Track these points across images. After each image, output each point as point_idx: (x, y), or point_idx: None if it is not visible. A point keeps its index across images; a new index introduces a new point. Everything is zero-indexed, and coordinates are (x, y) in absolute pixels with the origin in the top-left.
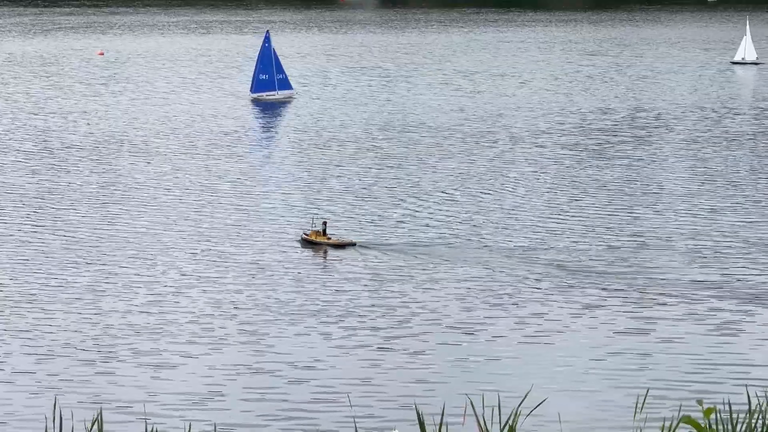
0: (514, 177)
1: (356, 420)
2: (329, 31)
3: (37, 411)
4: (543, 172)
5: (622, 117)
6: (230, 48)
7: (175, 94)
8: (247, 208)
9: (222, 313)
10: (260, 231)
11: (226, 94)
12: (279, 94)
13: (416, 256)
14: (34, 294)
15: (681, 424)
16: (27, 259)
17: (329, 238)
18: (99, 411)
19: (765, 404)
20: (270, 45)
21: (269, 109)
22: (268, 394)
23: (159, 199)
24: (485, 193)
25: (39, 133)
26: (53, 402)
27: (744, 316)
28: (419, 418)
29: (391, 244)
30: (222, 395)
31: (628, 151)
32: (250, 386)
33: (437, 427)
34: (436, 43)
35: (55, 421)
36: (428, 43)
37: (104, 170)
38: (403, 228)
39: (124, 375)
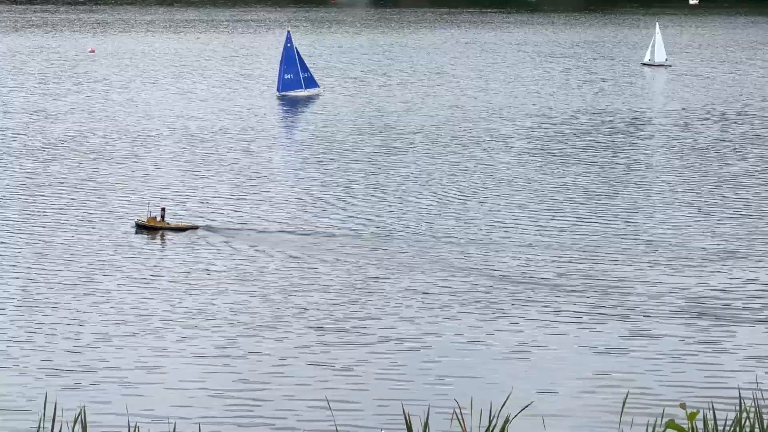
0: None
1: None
2: (336, 31)
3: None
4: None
5: (586, 120)
6: (246, 47)
7: (198, 93)
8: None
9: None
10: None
11: (253, 92)
12: (305, 92)
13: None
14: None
15: (667, 429)
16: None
17: (168, 224)
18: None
19: (748, 408)
20: (292, 45)
21: (297, 106)
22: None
23: (184, 192)
24: (460, 192)
25: (57, 130)
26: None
27: (728, 322)
28: (406, 421)
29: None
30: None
31: (591, 156)
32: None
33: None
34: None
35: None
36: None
37: (119, 168)
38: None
39: None
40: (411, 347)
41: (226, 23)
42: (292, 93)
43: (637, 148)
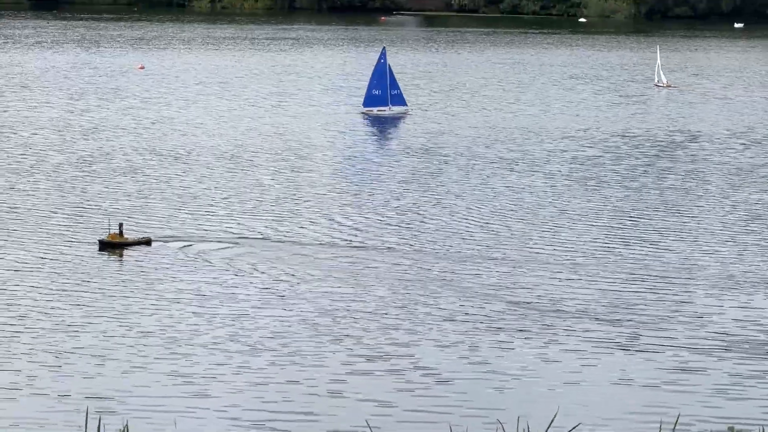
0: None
1: None
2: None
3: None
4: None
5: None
6: (335, 63)
7: (277, 107)
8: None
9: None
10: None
11: (334, 108)
12: (392, 110)
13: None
14: None
15: None
16: None
17: (127, 239)
18: None
19: None
20: (385, 61)
21: (376, 124)
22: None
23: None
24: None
25: (142, 143)
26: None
27: None
28: None
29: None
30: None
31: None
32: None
33: None
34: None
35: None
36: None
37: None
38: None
39: None
40: (439, 374)
41: (277, 40)
42: (376, 110)
43: (671, 170)
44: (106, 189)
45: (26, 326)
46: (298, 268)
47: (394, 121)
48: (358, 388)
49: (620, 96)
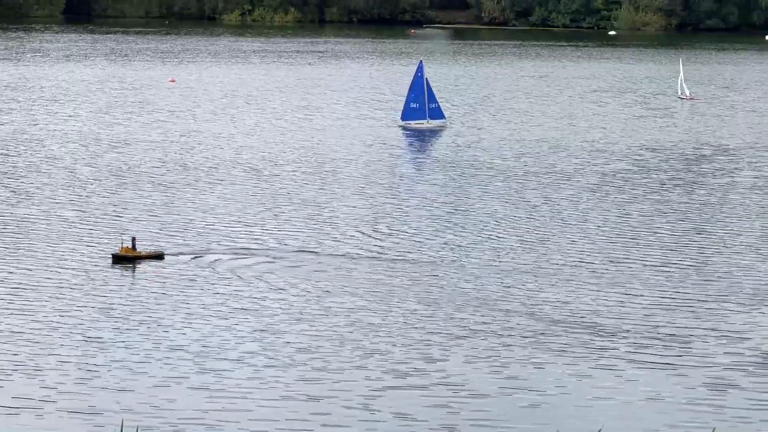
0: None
1: None
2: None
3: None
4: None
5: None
6: (369, 77)
7: (313, 120)
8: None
9: None
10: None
11: (372, 121)
12: (430, 123)
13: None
14: None
15: None
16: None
17: (139, 252)
18: None
19: None
20: (422, 74)
21: (414, 137)
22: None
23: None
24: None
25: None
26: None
27: None
28: None
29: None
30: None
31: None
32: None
33: None
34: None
35: None
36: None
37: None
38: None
39: None
40: (470, 390)
41: (309, 54)
42: (414, 123)
43: (697, 183)
44: (126, 202)
45: (39, 340)
46: (323, 282)
47: (432, 134)
48: (388, 404)
49: (643, 108)
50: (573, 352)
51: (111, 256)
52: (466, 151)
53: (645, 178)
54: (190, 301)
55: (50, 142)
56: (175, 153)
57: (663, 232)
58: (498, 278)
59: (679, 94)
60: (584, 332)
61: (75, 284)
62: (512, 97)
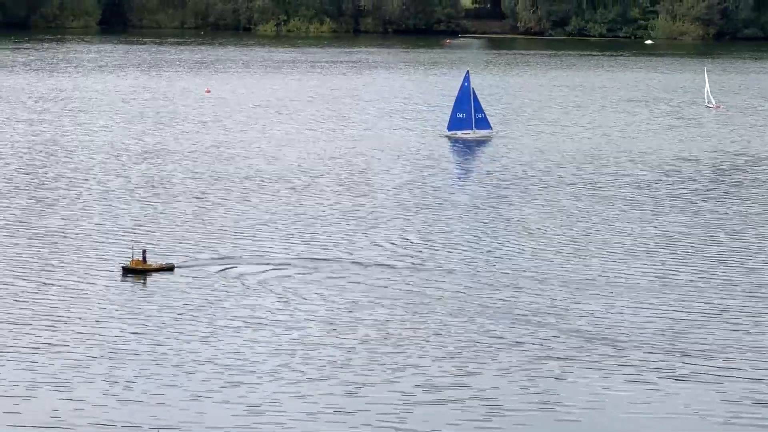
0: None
1: None
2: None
3: None
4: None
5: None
6: (410, 87)
7: (356, 130)
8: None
9: None
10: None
11: (418, 131)
12: (476, 133)
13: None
14: None
15: None
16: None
17: (150, 265)
18: None
19: None
20: (469, 84)
21: (459, 148)
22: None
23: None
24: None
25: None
26: None
27: None
28: None
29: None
30: None
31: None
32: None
33: None
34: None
35: None
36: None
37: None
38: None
39: None
40: (500, 405)
41: (347, 63)
42: (460, 133)
43: (726, 193)
44: (157, 213)
45: (48, 351)
46: (349, 293)
47: (478, 144)
48: (419, 419)
49: (673, 118)
50: (602, 365)
51: (121, 268)
52: (509, 161)
53: (677, 188)
54: (205, 314)
55: (79, 152)
56: (208, 164)
57: (700, 243)
58: (534, 291)
59: (706, 103)
60: (620, 346)
61: (86, 296)
62: (554, 106)
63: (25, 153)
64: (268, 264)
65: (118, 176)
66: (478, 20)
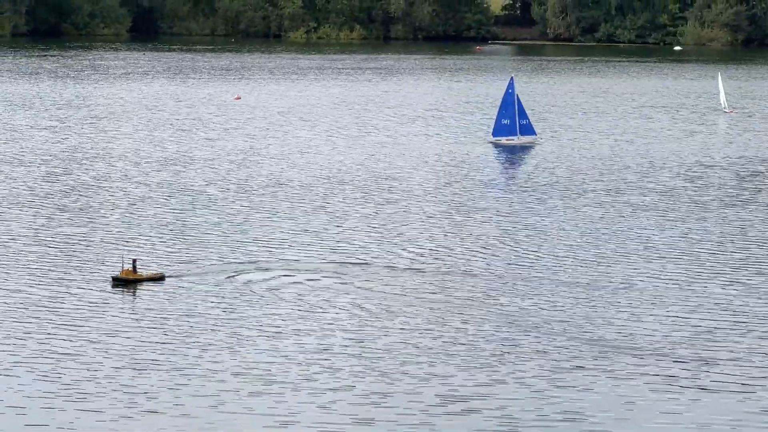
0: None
1: None
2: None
3: None
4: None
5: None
6: (450, 93)
7: (399, 136)
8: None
9: None
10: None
11: (462, 137)
12: (520, 139)
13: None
14: None
15: None
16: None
17: (140, 275)
18: None
19: None
20: (513, 90)
21: (504, 154)
22: None
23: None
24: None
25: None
26: None
27: None
28: None
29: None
30: None
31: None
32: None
33: None
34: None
35: None
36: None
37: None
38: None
39: None
40: (523, 418)
41: (380, 70)
42: (505, 139)
43: (744, 198)
44: (188, 220)
45: (38, 364)
46: (371, 299)
47: (522, 150)
48: (440, 429)
49: (688, 123)
50: (634, 375)
51: (111, 278)
52: (552, 168)
53: (699, 194)
54: (219, 322)
55: (99, 160)
56: (234, 170)
57: (726, 250)
58: (561, 298)
59: (723, 108)
60: (646, 354)
61: (75, 308)
62: (591, 112)
63: (44, 161)
64: (289, 271)
65: (138, 184)
66: (508, 27)
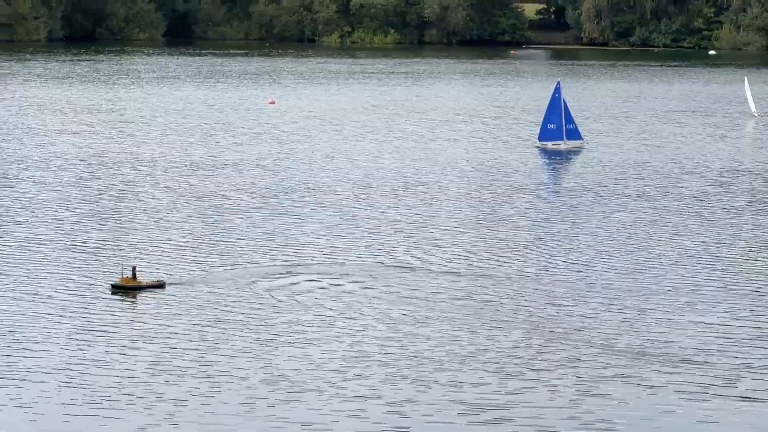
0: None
1: None
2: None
3: None
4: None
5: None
6: (491, 96)
7: (444, 140)
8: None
9: None
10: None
11: (508, 141)
12: (567, 144)
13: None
14: None
15: None
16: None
17: (140, 282)
18: None
19: None
20: (560, 95)
21: (550, 158)
22: None
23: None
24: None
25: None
26: None
27: None
28: None
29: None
30: None
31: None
32: None
33: None
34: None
35: None
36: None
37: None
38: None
39: None
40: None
41: (422, 74)
42: (551, 144)
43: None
44: (219, 225)
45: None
46: (409, 304)
47: (569, 154)
48: None
49: (715, 127)
50: (668, 384)
51: (110, 286)
52: (595, 172)
53: (730, 199)
54: (205, 328)
55: (127, 165)
56: (265, 175)
57: (762, 257)
58: (595, 305)
59: (752, 111)
60: (679, 362)
61: (74, 315)
62: (633, 116)
63: (70, 165)
64: (315, 276)
65: (163, 189)
66: (542, 31)
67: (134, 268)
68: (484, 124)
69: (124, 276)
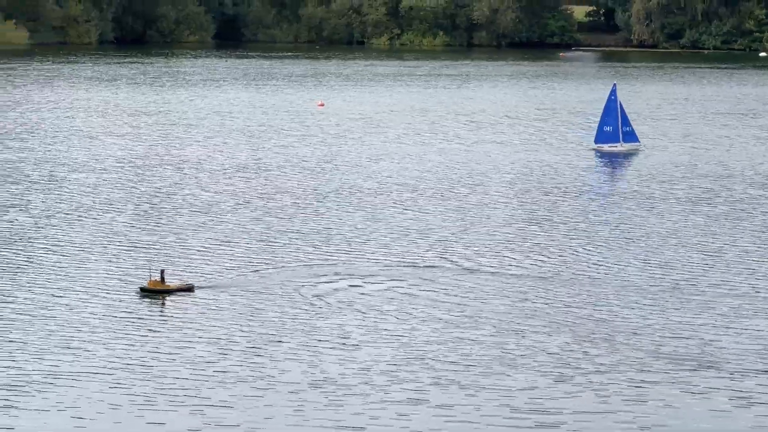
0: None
1: None
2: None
3: None
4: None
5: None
6: (548, 99)
7: (499, 141)
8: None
9: None
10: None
11: (566, 144)
12: (623, 146)
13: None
14: None
15: None
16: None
17: (168, 286)
18: None
19: None
20: (616, 97)
21: (605, 161)
22: None
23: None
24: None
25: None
26: None
27: None
28: None
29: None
30: None
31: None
32: None
33: None
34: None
35: None
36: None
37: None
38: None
39: None
40: None
41: (471, 76)
42: (607, 146)
43: None
44: (258, 226)
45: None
46: (451, 306)
47: (625, 157)
48: None
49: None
50: (717, 391)
51: (139, 289)
52: (650, 175)
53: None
54: (228, 334)
55: (171, 167)
56: (309, 178)
57: None
58: (644, 309)
59: None
60: (728, 370)
61: (103, 317)
62: (687, 118)
63: (114, 168)
64: (354, 279)
65: (205, 192)
66: (592, 33)
67: (162, 272)
68: (532, 127)
69: (153, 279)
